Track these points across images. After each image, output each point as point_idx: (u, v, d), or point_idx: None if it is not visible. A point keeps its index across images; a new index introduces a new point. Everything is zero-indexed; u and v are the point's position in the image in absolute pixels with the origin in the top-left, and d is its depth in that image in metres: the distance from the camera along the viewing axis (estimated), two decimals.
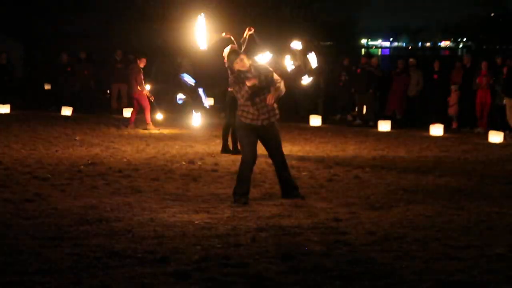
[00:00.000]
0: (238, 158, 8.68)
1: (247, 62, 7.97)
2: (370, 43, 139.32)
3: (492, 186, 9.38)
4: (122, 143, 12.95)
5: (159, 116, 15.69)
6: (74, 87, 19.85)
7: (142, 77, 15.14)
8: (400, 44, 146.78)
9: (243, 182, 8.02)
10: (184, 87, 12.20)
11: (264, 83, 7.90)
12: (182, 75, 10.72)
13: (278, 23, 33.15)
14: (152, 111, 15.43)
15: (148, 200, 7.96)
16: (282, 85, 8.01)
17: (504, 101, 15.51)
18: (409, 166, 10.93)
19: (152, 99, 15.27)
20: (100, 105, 19.69)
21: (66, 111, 18.08)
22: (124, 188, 8.67)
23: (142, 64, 15.21)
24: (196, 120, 10.93)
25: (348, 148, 12.91)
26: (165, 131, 15.13)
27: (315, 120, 17.11)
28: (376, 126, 16.54)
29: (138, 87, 15.11)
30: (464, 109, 16.53)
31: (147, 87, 15.22)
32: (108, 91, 20.21)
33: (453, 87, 16.57)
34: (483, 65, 15.96)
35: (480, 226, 6.98)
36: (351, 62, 18.91)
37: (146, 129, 15.11)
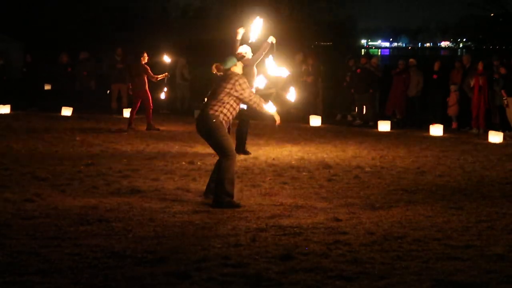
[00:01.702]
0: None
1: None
2: (370, 43, 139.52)
3: (492, 186, 9.39)
4: (122, 143, 12.95)
5: (163, 95, 15.80)
6: (74, 87, 19.86)
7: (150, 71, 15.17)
8: (400, 44, 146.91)
9: (232, 183, 7.86)
10: None
11: None
12: None
13: (278, 24, 33.19)
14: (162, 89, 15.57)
15: (148, 200, 7.96)
16: None
17: (505, 101, 15.50)
18: (409, 166, 10.93)
19: (166, 75, 15.21)
20: (100, 105, 19.67)
21: (66, 111, 18.07)
22: (124, 188, 8.67)
23: (144, 60, 15.22)
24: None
25: (348, 148, 12.91)
26: (165, 131, 15.12)
27: (315, 120, 17.11)
28: (376, 126, 16.54)
29: (153, 79, 15.08)
30: (464, 109, 16.51)
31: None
32: (108, 91, 20.20)
33: (452, 87, 16.56)
34: (479, 64, 15.94)
35: (479, 226, 6.99)
36: (356, 62, 18.87)
37: (148, 129, 15.11)
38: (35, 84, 19.92)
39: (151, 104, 15.18)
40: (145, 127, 15.18)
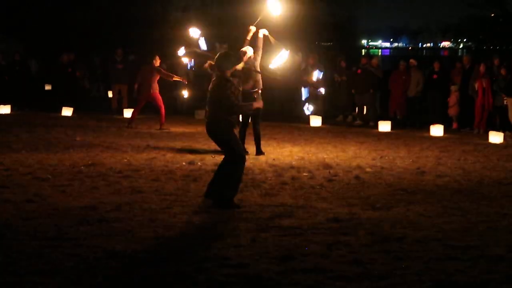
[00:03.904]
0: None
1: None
2: (370, 43, 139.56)
3: (492, 187, 9.39)
4: (123, 143, 12.96)
5: (185, 93, 16.39)
6: (75, 87, 19.87)
7: (164, 71, 15.34)
8: (400, 44, 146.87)
9: (237, 185, 7.86)
10: None
11: None
12: None
13: (278, 23, 33.15)
14: (184, 90, 16.05)
15: (148, 200, 7.96)
16: None
17: (505, 102, 15.50)
18: (409, 167, 10.93)
19: (185, 81, 15.40)
20: (100, 106, 19.66)
21: (67, 111, 18.09)
22: (124, 188, 8.67)
23: (157, 63, 15.29)
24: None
25: (348, 149, 12.91)
26: (166, 131, 15.14)
27: (316, 121, 17.11)
28: (376, 126, 16.54)
29: (170, 79, 15.23)
30: (464, 109, 16.51)
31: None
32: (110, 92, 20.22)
33: (453, 88, 16.56)
34: (481, 67, 15.90)
35: (480, 227, 6.99)
36: (352, 63, 18.85)
37: (161, 129, 15.19)
38: (29, 83, 19.88)
39: (163, 104, 15.27)
40: (145, 127, 15.22)
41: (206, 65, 8.12)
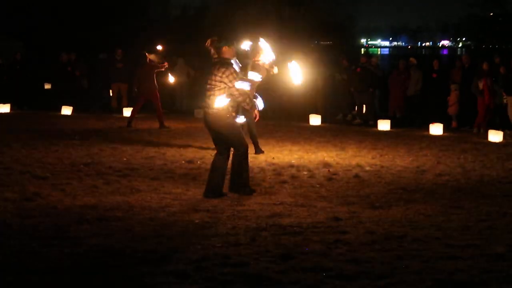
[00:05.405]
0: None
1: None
2: (370, 42, 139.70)
3: (491, 185, 9.39)
4: (122, 142, 12.95)
5: (171, 79, 16.31)
6: (74, 87, 19.85)
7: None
8: (399, 43, 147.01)
9: (248, 172, 8.35)
10: None
11: None
12: None
13: (278, 23, 33.20)
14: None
15: (147, 199, 7.96)
16: None
17: (505, 100, 15.49)
18: (409, 165, 10.93)
19: (165, 65, 15.48)
20: (100, 105, 19.65)
21: (66, 110, 18.09)
22: (123, 187, 8.67)
23: (147, 59, 15.42)
24: None
25: (347, 147, 12.90)
26: (165, 130, 15.14)
27: (315, 120, 17.10)
28: (375, 125, 16.54)
29: (163, 68, 15.30)
30: (464, 108, 16.50)
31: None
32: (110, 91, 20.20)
33: (452, 87, 16.55)
34: (485, 65, 15.84)
35: (479, 226, 6.98)
36: (351, 62, 18.85)
37: (161, 127, 15.20)
38: (28, 82, 19.86)
39: (160, 104, 15.30)
40: (145, 126, 15.23)
41: (209, 41, 8.17)
